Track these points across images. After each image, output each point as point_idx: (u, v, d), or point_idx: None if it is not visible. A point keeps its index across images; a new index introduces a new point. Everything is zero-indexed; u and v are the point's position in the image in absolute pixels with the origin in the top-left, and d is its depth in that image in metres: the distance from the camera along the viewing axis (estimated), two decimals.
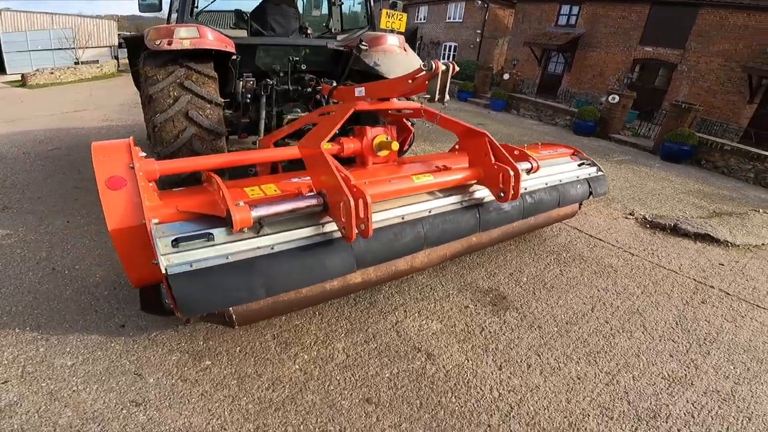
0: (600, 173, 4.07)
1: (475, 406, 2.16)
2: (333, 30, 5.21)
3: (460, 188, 2.92)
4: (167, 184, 2.95)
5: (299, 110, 4.33)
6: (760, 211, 6.10)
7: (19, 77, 15.78)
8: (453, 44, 25.38)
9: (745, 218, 5.61)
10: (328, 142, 2.67)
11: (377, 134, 3.00)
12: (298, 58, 4.22)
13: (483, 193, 2.99)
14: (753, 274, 4.00)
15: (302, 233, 2.15)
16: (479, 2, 22.17)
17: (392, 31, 5.22)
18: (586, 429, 2.07)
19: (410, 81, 2.52)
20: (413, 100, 3.48)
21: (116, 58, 23.70)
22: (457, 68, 2.43)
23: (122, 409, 1.91)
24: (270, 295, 1.99)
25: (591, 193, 3.91)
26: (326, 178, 2.13)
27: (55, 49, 21.12)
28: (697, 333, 2.97)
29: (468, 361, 2.47)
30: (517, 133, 10.64)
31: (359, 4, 5.16)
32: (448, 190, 2.85)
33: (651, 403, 2.27)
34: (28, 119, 8.61)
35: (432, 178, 2.69)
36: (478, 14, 23.13)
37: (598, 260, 3.97)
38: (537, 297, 3.24)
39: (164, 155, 3.21)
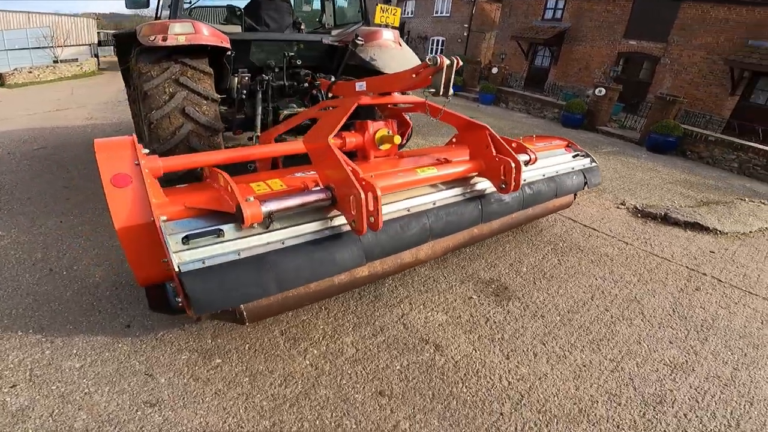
0: (594, 164, 4.13)
1: (486, 395, 2.19)
2: (326, 25, 5.17)
3: (462, 180, 2.95)
4: (163, 181, 2.91)
5: (295, 105, 4.30)
6: (746, 199, 6.27)
7: None
8: (441, 38, 25.41)
9: (731, 207, 5.76)
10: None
11: (379, 128, 3.00)
12: (293, 54, 4.18)
13: (484, 184, 3.02)
14: (743, 261, 4.12)
15: (311, 227, 2.14)
16: None
17: (386, 25, 5.20)
18: (596, 415, 2.12)
19: (414, 75, 2.52)
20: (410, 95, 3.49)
21: (96, 56, 23.15)
22: (461, 63, 2.44)
23: (137, 410, 1.89)
24: (282, 291, 1.99)
25: (586, 183, 3.97)
26: (334, 172, 2.12)
27: (33, 48, 20.54)
28: (693, 320, 3.05)
29: (476, 352, 2.50)
30: (508, 126, 10.72)
31: None
32: (450, 183, 2.88)
33: (656, 389, 2.33)
34: (10, 119, 8.37)
35: (436, 171, 2.71)
36: (466, 8, 23.18)
37: (594, 250, 4.04)
38: (538, 287, 3.29)
39: (161, 152, 3.15)
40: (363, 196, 1.96)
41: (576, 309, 3.04)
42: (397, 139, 2.93)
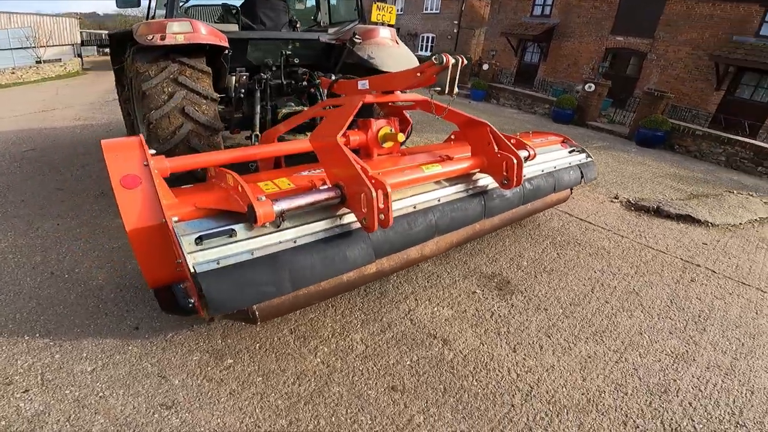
0: (589, 159, 4.20)
1: (497, 387, 2.23)
2: (321, 23, 5.16)
3: (465, 177, 2.98)
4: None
5: (293, 104, 4.29)
6: (734, 192, 6.42)
7: None
8: (430, 35, 25.44)
9: (721, 199, 5.90)
10: None
11: (381, 126, 3.01)
12: (290, 52, 4.17)
13: (487, 180, 3.06)
14: (734, 253, 4.23)
15: (321, 226, 2.16)
16: None
17: (383, 23, 5.20)
18: (604, 405, 2.17)
19: (419, 74, 2.54)
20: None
21: (80, 56, 22.71)
22: (465, 62, 2.47)
23: (153, 413, 1.88)
24: (296, 289, 1.99)
25: (582, 178, 4.04)
26: (344, 170, 2.13)
27: (14, 49, 20.07)
28: (691, 310, 3.13)
29: (483, 345, 2.54)
30: (500, 122, 10.79)
31: None
32: (453, 179, 2.91)
33: (660, 378, 2.39)
34: None
35: (441, 168, 2.73)
36: (455, 5, 23.23)
37: (591, 243, 4.11)
38: (539, 280, 3.34)
39: (160, 152, 3.13)
40: (374, 193, 1.98)
41: (577, 301, 3.10)
42: (401, 137, 2.95)
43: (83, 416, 1.83)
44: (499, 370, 2.35)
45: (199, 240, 1.82)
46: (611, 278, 3.48)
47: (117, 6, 4.45)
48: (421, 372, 2.29)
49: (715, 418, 2.16)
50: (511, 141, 3.22)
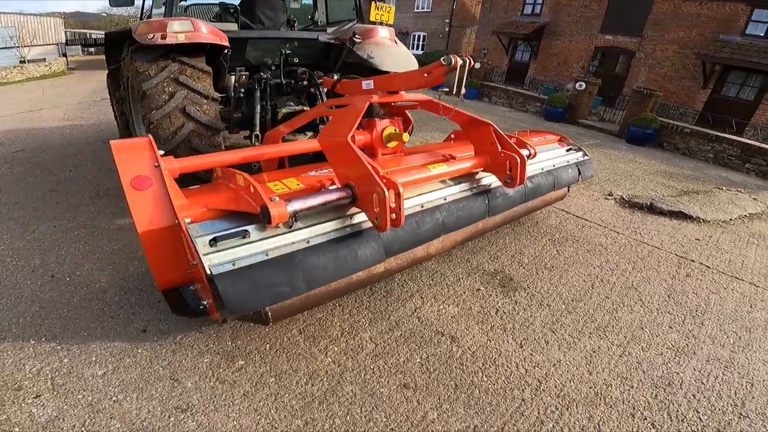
0: (586, 158, 4.27)
1: (506, 382, 2.26)
2: (318, 22, 5.14)
3: (469, 176, 3.01)
4: None
5: (293, 104, 4.27)
6: (723, 188, 6.58)
7: None
8: (422, 34, 25.47)
9: (711, 196, 6.03)
10: None
11: (386, 126, 3.02)
12: (289, 51, 4.15)
13: (490, 179, 3.09)
14: (726, 248, 4.33)
15: (332, 226, 2.16)
16: None
17: (381, 23, 5.21)
18: (611, 397, 2.22)
19: (426, 75, 2.55)
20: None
21: (65, 55, 22.24)
22: (473, 63, 2.49)
23: (169, 416, 1.87)
24: (310, 289, 1.99)
25: (580, 176, 4.10)
26: (355, 169, 2.13)
27: None
28: (688, 305, 3.20)
29: (491, 342, 2.58)
30: (495, 120, 10.59)
31: None
32: (458, 178, 2.93)
33: (663, 372, 2.45)
34: None
35: (446, 167, 2.75)
36: (446, 3, 23.29)
37: (588, 239, 4.18)
38: (540, 277, 3.39)
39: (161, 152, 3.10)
40: (386, 193, 1.99)
41: (579, 297, 3.15)
42: (406, 137, 2.97)
43: (98, 421, 1.81)
44: (507, 366, 2.39)
45: (214, 241, 1.81)
46: (610, 274, 3.55)
47: (111, 5, 4.39)
48: (432, 369, 2.31)
49: (719, 409, 2.22)
50: (512, 140, 3.27)
